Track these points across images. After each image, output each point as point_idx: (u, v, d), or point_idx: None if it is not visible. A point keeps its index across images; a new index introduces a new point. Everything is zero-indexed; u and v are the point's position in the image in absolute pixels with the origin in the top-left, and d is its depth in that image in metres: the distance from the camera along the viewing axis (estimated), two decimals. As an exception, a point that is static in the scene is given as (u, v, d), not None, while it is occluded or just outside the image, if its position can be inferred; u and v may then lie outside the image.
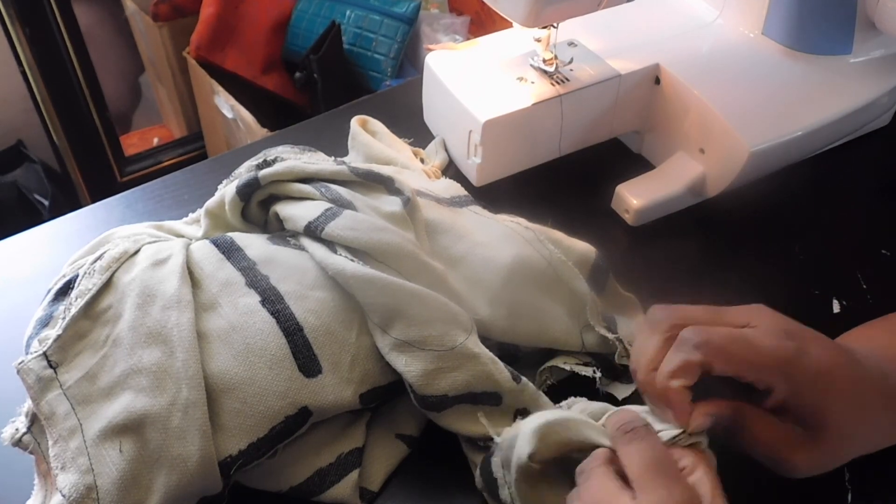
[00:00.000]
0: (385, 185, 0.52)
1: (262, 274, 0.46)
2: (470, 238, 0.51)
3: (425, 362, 0.43)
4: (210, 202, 0.53)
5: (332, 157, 0.59)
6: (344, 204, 0.49)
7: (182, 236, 0.53)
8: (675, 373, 0.39)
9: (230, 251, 0.48)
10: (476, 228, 0.52)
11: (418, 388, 0.43)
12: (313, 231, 0.48)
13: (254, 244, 0.49)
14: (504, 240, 0.51)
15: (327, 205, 0.49)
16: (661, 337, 0.40)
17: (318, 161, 0.55)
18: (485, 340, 0.47)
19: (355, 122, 0.63)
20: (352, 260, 0.46)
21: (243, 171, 0.54)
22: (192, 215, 0.57)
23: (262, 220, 0.53)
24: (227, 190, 0.52)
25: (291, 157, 0.55)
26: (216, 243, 0.48)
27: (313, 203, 0.49)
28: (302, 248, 0.48)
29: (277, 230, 0.52)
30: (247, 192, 0.51)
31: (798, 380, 0.39)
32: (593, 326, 0.49)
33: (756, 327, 0.40)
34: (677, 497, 0.35)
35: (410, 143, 0.65)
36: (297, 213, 0.49)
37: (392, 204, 0.50)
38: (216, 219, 0.53)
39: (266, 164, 0.54)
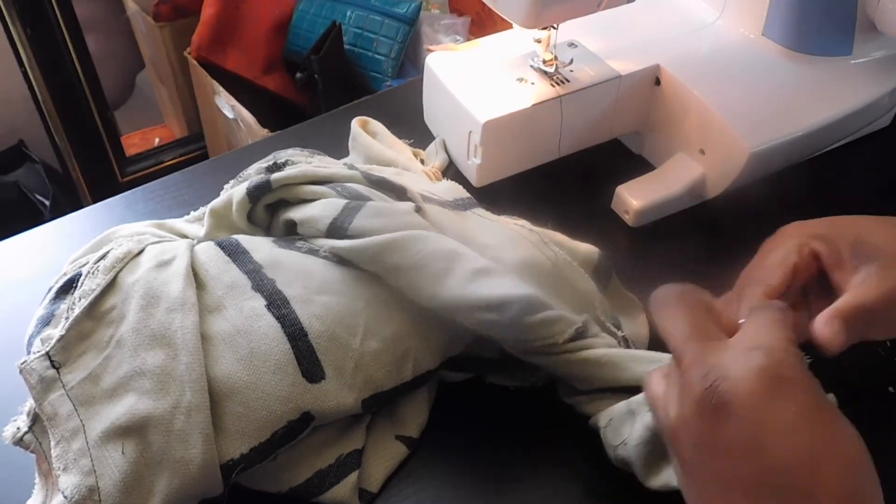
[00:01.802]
0: (396, 194, 0.51)
1: (269, 277, 0.46)
2: (477, 241, 0.51)
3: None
4: (216, 202, 0.53)
5: (342, 161, 0.59)
6: (363, 199, 0.49)
7: (184, 235, 0.53)
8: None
9: (236, 254, 0.48)
10: (482, 231, 0.53)
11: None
12: (339, 227, 0.47)
13: (260, 247, 0.49)
14: (510, 242, 0.51)
15: (346, 201, 0.49)
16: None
17: (328, 165, 0.55)
18: (490, 342, 0.48)
19: (356, 123, 0.63)
20: None
21: (252, 173, 0.54)
22: (193, 213, 0.57)
23: (266, 224, 0.53)
24: (235, 191, 0.51)
25: (302, 161, 0.55)
26: (221, 245, 0.48)
27: (329, 201, 0.49)
28: (311, 252, 0.48)
29: (282, 234, 0.52)
30: (257, 194, 0.50)
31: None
32: (603, 323, 0.49)
33: None
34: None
35: (410, 144, 0.65)
36: (315, 213, 0.49)
37: (405, 206, 0.50)
38: (220, 219, 0.53)
39: (276, 166, 0.53)
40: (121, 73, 1.98)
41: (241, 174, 0.55)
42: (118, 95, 1.99)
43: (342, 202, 0.48)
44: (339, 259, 0.48)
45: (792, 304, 0.41)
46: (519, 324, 0.44)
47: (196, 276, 0.46)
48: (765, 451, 0.32)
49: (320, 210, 0.49)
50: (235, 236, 0.50)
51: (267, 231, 0.53)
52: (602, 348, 0.46)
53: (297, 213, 0.50)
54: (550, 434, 0.48)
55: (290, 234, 0.51)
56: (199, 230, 0.54)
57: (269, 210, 0.52)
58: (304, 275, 0.46)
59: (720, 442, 0.33)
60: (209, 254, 0.48)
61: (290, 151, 0.56)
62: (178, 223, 0.55)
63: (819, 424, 0.34)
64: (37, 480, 0.44)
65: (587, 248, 0.52)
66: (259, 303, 0.45)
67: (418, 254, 0.45)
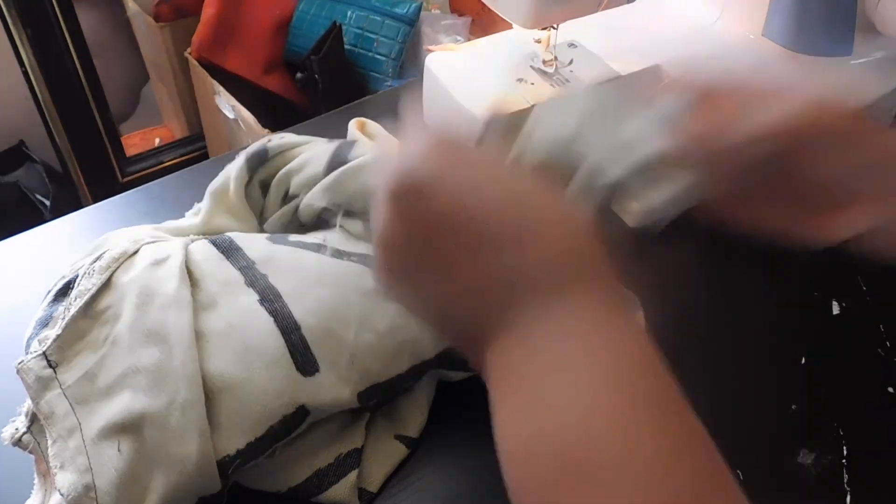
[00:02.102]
0: None
1: (261, 273, 0.46)
2: None
3: None
4: (214, 183, 0.54)
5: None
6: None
7: (182, 231, 0.53)
8: None
9: (229, 251, 0.48)
10: None
11: None
12: (340, 156, 0.50)
13: (253, 244, 0.49)
14: None
15: (340, 141, 0.52)
16: None
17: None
18: None
19: (353, 125, 0.63)
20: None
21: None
22: (188, 213, 0.57)
23: (260, 205, 0.54)
24: (232, 165, 0.53)
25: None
26: (215, 243, 0.49)
27: (324, 146, 0.52)
28: (304, 247, 0.49)
29: (278, 206, 0.53)
30: (255, 161, 0.52)
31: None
32: None
33: None
34: None
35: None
36: (315, 152, 0.52)
37: None
38: (219, 199, 0.53)
39: (270, 142, 0.55)
40: (125, 77, 1.98)
41: (237, 157, 0.55)
42: (126, 103, 2.00)
43: (337, 142, 0.52)
44: (333, 252, 0.48)
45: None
46: None
47: (190, 274, 0.46)
48: (461, 213, 0.30)
49: (317, 151, 0.51)
50: (229, 234, 0.50)
51: (260, 217, 0.54)
52: None
53: (294, 163, 0.52)
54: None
55: (286, 202, 0.53)
56: (196, 220, 0.54)
57: (264, 191, 0.53)
58: (297, 269, 0.47)
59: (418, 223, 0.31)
60: (203, 252, 0.48)
61: (281, 133, 0.58)
62: (176, 222, 0.55)
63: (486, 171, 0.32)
64: (35, 481, 0.44)
65: None
66: (252, 298, 0.45)
67: None
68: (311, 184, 0.51)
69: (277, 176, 0.53)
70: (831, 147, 0.39)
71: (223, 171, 0.54)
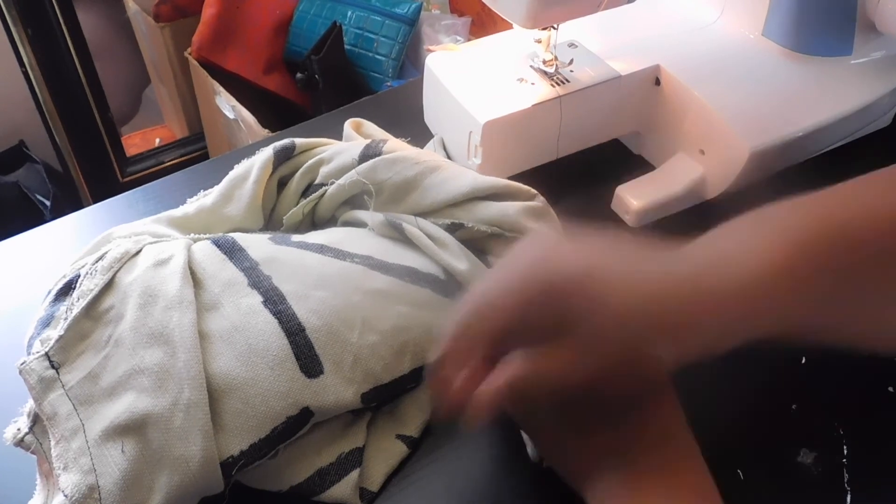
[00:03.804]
0: None
1: (265, 274, 0.46)
2: None
3: None
4: (236, 169, 0.54)
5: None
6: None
7: (183, 223, 0.53)
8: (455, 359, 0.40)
9: (232, 251, 0.48)
10: None
11: None
12: (375, 148, 0.53)
13: (256, 245, 0.49)
14: None
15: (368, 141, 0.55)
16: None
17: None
18: None
19: (349, 125, 0.63)
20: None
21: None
22: (190, 200, 0.56)
23: (272, 202, 0.55)
24: (258, 155, 0.54)
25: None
26: (218, 244, 0.49)
27: (354, 142, 0.54)
28: (306, 247, 0.49)
29: (297, 194, 0.54)
30: (282, 154, 0.54)
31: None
32: None
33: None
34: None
35: (408, 143, 0.65)
36: (346, 145, 0.54)
37: None
38: (235, 185, 0.54)
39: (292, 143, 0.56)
40: (125, 77, 1.99)
41: (262, 150, 0.56)
42: (127, 103, 2.00)
43: (367, 140, 0.55)
44: (336, 253, 0.48)
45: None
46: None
47: (193, 275, 0.46)
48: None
49: (348, 145, 0.53)
50: (231, 234, 0.50)
51: (268, 218, 0.55)
52: None
53: (325, 154, 0.54)
54: (550, 434, 0.48)
55: (305, 196, 0.54)
56: (195, 209, 0.54)
57: (279, 189, 0.54)
58: (300, 270, 0.47)
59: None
60: (206, 252, 0.48)
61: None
62: (177, 211, 0.55)
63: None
64: (38, 481, 0.44)
65: None
66: (255, 299, 0.45)
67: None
68: (341, 172, 0.53)
69: (307, 164, 0.54)
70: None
71: (244, 162, 0.54)
